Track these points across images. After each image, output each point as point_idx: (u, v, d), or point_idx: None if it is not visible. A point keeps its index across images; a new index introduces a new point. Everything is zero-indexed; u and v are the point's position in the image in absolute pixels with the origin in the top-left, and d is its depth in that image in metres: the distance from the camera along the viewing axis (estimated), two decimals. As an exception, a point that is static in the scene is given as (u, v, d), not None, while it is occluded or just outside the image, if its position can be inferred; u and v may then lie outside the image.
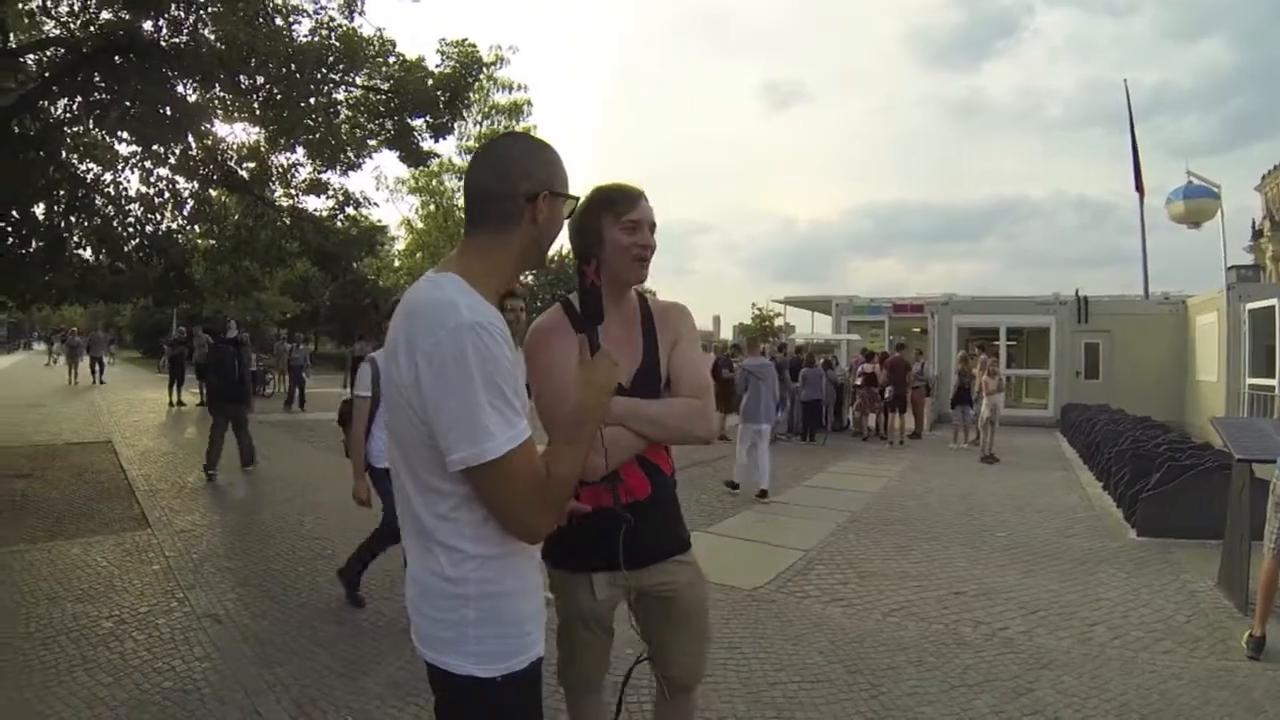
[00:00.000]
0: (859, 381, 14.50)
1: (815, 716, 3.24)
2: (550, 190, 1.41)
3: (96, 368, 21.46)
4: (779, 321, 35.46)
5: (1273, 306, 12.59)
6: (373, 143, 10.52)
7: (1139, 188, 25.48)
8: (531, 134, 1.87)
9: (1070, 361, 18.30)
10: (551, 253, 1.57)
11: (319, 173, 10.72)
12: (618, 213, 1.89)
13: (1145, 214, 25.42)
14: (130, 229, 9.25)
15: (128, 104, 8.29)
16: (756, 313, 41.12)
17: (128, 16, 7.96)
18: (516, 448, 1.24)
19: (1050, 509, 7.80)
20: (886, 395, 13.98)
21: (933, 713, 3.26)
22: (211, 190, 10.27)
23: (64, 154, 8.79)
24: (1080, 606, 4.71)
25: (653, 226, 1.92)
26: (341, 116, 10.11)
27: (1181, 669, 3.76)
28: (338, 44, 9.23)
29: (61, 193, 8.66)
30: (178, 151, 9.38)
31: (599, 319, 1.51)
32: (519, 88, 20.91)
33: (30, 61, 8.75)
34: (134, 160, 9.37)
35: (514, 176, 1.39)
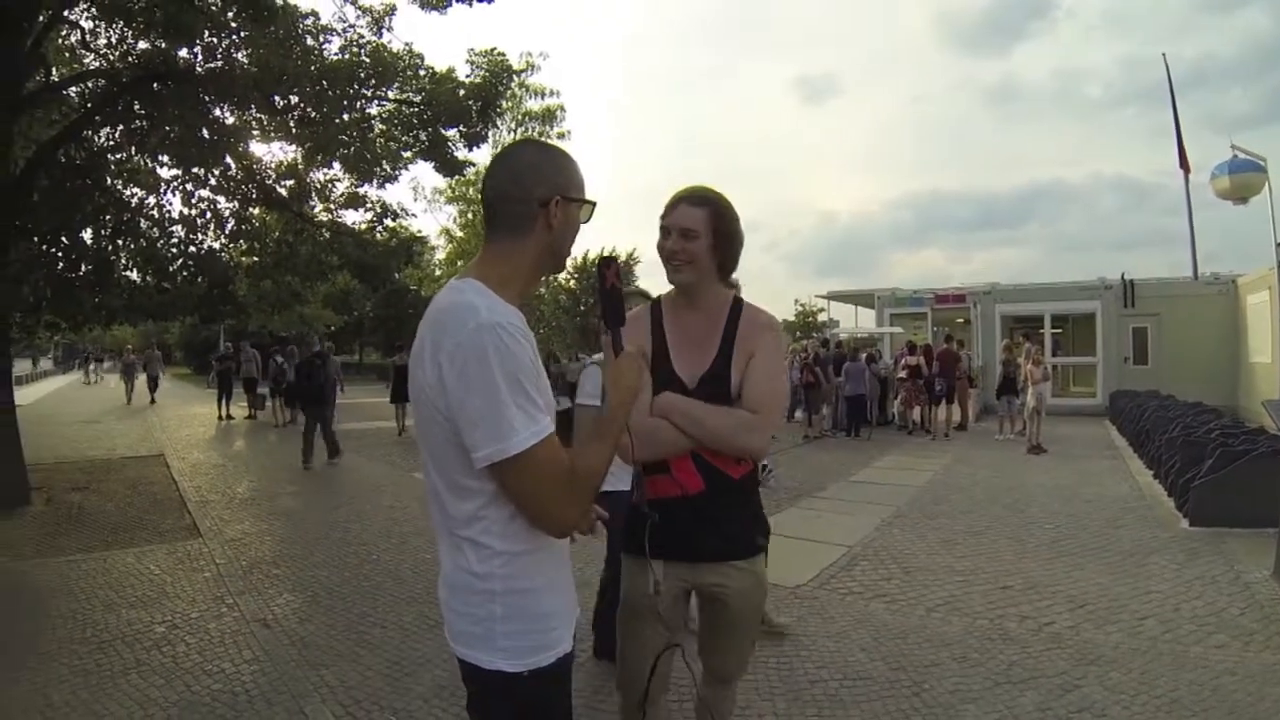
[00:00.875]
0: (903, 374, 14.29)
1: (856, 714, 3.21)
2: (564, 195, 1.42)
3: (152, 385, 22.11)
4: (822, 317, 35.22)
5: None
6: (408, 155, 10.69)
7: (1184, 165, 24.68)
8: (548, 140, 1.90)
9: (1117, 347, 17.80)
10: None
11: (356, 186, 10.93)
12: (661, 217, 1.99)
13: (1191, 191, 24.68)
14: (174, 249, 9.51)
15: (167, 129, 8.56)
16: (800, 309, 40.89)
17: (164, 45, 8.22)
18: (540, 442, 1.27)
19: (1099, 499, 7.61)
20: (937, 387, 13.76)
21: (976, 710, 3.20)
22: (252, 209, 10.51)
23: (109, 180, 9.07)
24: (1129, 600, 4.59)
25: (685, 231, 1.93)
26: (376, 130, 10.28)
27: (1235, 664, 3.64)
28: (368, 60, 9.43)
29: (108, 217, 8.94)
30: (217, 173, 9.66)
31: (620, 320, 1.55)
32: (551, 93, 21.15)
33: (72, 94, 9.07)
34: (175, 183, 9.64)
35: (528, 182, 1.41)
